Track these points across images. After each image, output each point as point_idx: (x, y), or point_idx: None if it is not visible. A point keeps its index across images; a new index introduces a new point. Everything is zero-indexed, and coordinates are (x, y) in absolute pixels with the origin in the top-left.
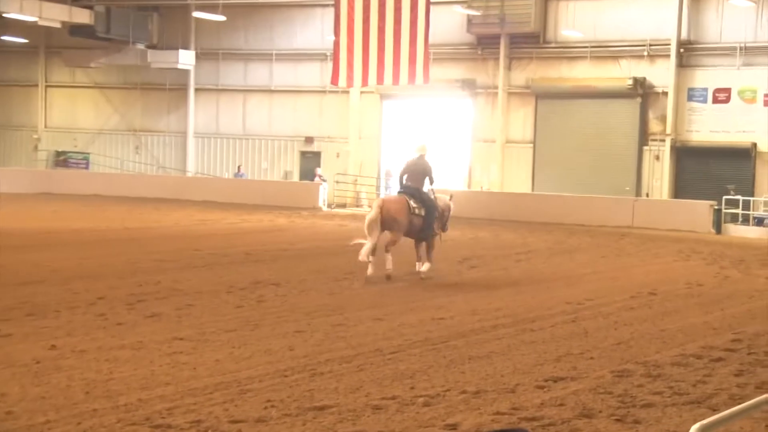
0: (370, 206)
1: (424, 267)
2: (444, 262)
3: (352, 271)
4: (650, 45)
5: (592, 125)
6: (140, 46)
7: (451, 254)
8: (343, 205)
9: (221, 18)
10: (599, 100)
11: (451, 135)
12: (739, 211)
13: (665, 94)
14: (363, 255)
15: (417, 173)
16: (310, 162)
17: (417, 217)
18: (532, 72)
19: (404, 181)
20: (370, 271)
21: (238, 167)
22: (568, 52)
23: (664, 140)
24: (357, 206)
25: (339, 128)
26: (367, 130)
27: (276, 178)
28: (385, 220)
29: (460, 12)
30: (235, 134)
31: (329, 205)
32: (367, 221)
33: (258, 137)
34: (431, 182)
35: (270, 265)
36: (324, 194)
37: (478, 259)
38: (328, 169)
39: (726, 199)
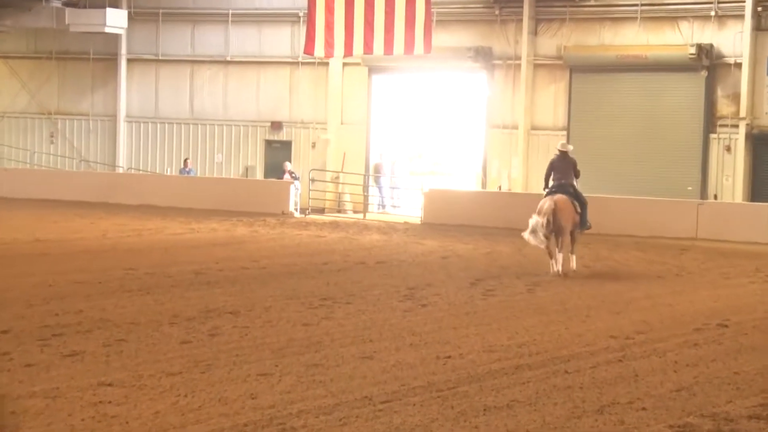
0: (355, 212)
1: (574, 263)
2: (451, 284)
3: (330, 296)
4: (719, 3)
5: (643, 107)
6: (56, 4)
7: (460, 274)
8: (321, 210)
9: None
10: (652, 74)
11: (460, 120)
12: None
13: (738, 66)
14: (556, 267)
15: (567, 169)
16: (277, 154)
17: (577, 215)
18: (564, 38)
19: (551, 180)
20: (557, 267)
21: (185, 161)
22: (612, 12)
23: (736, 126)
24: (339, 211)
25: (315, 111)
26: (352, 113)
27: (234, 176)
28: (558, 228)
29: None
30: (180, 118)
31: (303, 211)
32: (543, 229)
33: (210, 122)
34: (577, 177)
35: (226, 288)
36: (296, 196)
37: (495, 281)
38: (302, 163)
39: None
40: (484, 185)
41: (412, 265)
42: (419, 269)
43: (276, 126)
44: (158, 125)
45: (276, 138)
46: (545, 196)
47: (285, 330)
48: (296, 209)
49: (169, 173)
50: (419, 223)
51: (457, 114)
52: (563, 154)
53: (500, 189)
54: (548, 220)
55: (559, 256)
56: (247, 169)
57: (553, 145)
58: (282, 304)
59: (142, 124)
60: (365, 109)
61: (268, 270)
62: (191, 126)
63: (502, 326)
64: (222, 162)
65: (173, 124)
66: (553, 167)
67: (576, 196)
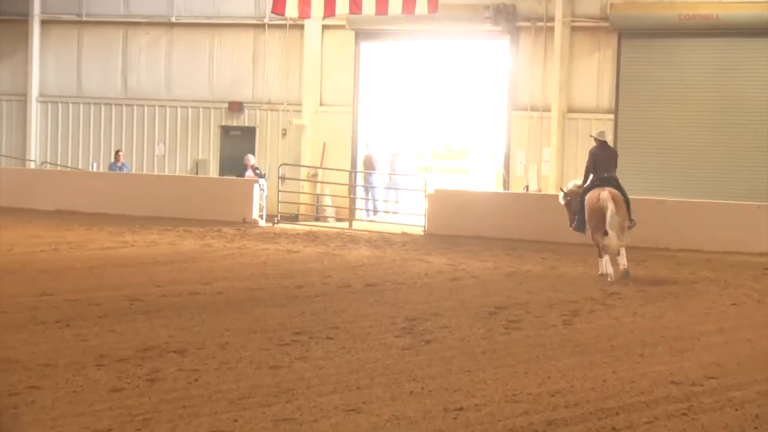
0: (338, 219)
1: (625, 260)
2: (464, 314)
3: (305, 330)
4: None
5: (715, 82)
6: None
7: (475, 301)
8: (294, 218)
9: None
10: (726, 40)
11: (474, 100)
12: None
13: None
14: (605, 269)
15: (610, 162)
16: (237, 145)
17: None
18: None
19: (593, 174)
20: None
21: (116, 154)
22: None
23: None
24: (318, 219)
25: (286, 88)
26: (334, 91)
27: (180, 173)
28: (613, 223)
29: None
30: (109, 98)
31: (270, 218)
32: (610, 221)
33: (149, 103)
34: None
35: (170, 319)
36: (261, 199)
37: (520, 310)
38: (269, 156)
39: None
40: (506, 185)
41: (413, 289)
42: (422, 294)
43: (235, 108)
44: (81, 107)
45: (235, 123)
46: (590, 190)
47: (247, 374)
48: (261, 216)
49: (95, 169)
50: (422, 233)
51: (471, 93)
52: (603, 144)
53: (527, 190)
54: (611, 210)
55: (620, 258)
56: (197, 164)
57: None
58: (243, 340)
59: (60, 106)
60: (351, 86)
61: (225, 296)
62: (124, 108)
63: (529, 369)
64: (165, 155)
65: (101, 106)
66: (596, 160)
67: (622, 191)
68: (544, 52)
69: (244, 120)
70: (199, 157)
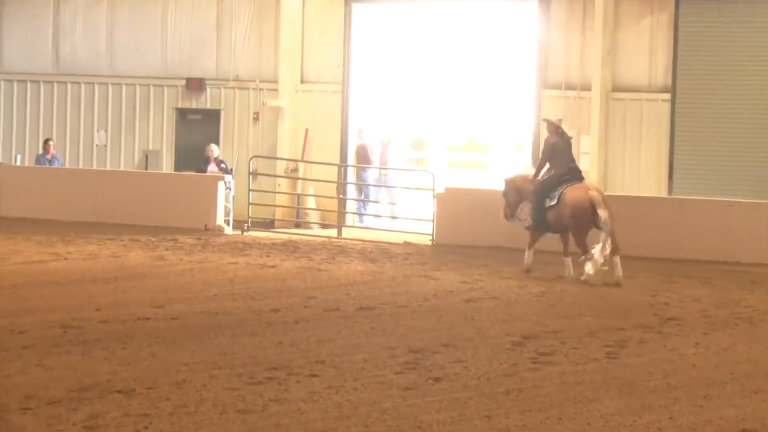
0: (325, 226)
1: (620, 269)
2: (482, 345)
3: (283, 365)
4: None
5: None
6: None
7: (496, 329)
8: (270, 224)
9: None
10: None
11: (496, 76)
12: None
13: None
14: (528, 262)
15: (570, 152)
16: (196, 131)
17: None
18: None
19: (552, 165)
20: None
21: (45, 144)
22: None
23: None
24: (299, 225)
25: (259, 61)
26: (319, 65)
27: (125, 167)
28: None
29: None
30: (36, 73)
31: (239, 225)
32: (610, 228)
33: (86, 79)
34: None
35: (113, 351)
36: (227, 200)
37: (553, 339)
38: (237, 146)
39: None
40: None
41: (418, 314)
42: (429, 320)
43: (194, 86)
44: (3, 84)
45: (194, 105)
46: (558, 184)
47: (210, 420)
48: (228, 222)
49: (18, 163)
50: (429, 243)
51: (491, 68)
52: (560, 132)
53: None
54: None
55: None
56: (146, 157)
57: (648, 116)
58: (204, 377)
59: None
60: (341, 58)
61: (182, 322)
62: (56, 86)
63: (564, 414)
64: (106, 145)
65: (26, 84)
66: (555, 150)
67: None
68: (582, 17)
69: (206, 101)
70: (150, 148)
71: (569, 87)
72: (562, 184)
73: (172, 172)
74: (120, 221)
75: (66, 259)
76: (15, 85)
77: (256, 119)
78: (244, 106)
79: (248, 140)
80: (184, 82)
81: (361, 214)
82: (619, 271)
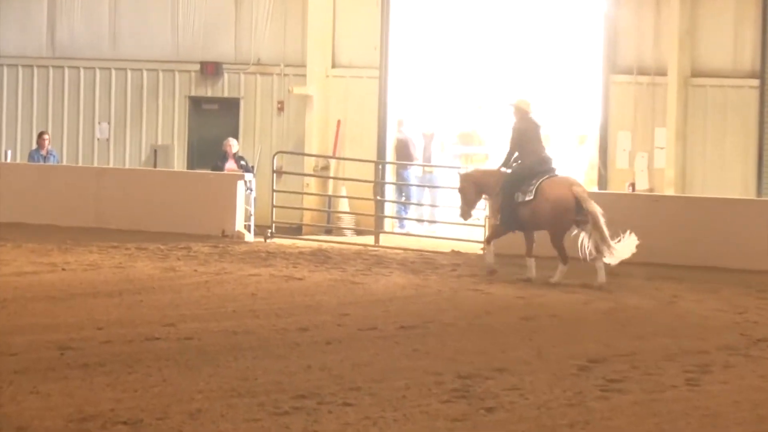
0: (359, 233)
1: (604, 274)
2: (542, 369)
3: (313, 392)
4: None
5: None
6: None
7: (558, 351)
8: (297, 230)
9: None
10: None
11: (557, 59)
12: None
13: None
14: (489, 261)
15: (539, 139)
16: (213, 124)
17: None
18: None
19: (522, 154)
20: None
21: (39, 137)
22: None
23: None
24: (330, 232)
25: (284, 42)
26: (353, 46)
27: (131, 164)
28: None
29: None
30: (29, 56)
31: (261, 231)
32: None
33: (87, 64)
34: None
35: (117, 375)
36: (248, 203)
37: (624, 363)
38: (260, 140)
39: None
40: (602, 182)
41: (468, 334)
42: (481, 341)
43: (210, 71)
44: None
45: (210, 93)
46: (534, 179)
47: None
48: (248, 227)
49: (9, 160)
50: (480, 252)
51: (552, 50)
52: (527, 116)
53: (633, 189)
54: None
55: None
56: (155, 152)
57: (736, 102)
58: (222, 406)
59: None
60: (378, 39)
61: (197, 342)
62: (51, 72)
63: None
64: (109, 138)
65: (17, 69)
66: (524, 138)
67: None
68: None
69: (223, 88)
70: (159, 142)
71: (642, 72)
72: (536, 176)
73: (185, 170)
74: (125, 227)
75: (63, 270)
76: (5, 70)
77: (280, 109)
78: (267, 95)
79: (271, 133)
80: (197, 67)
81: (401, 219)
82: (602, 276)
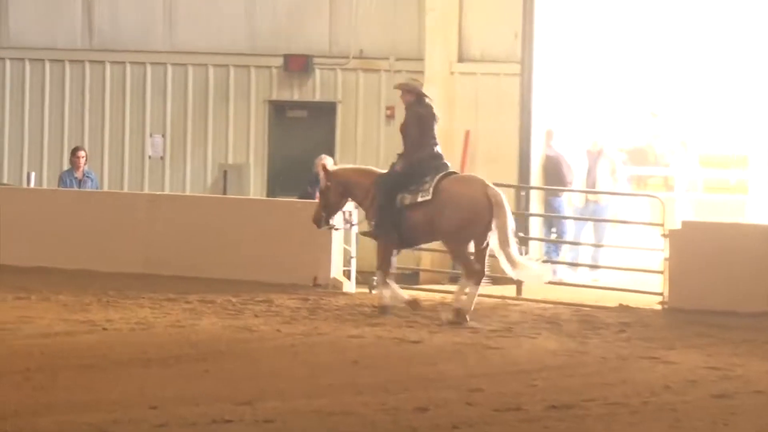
0: (496, 281)
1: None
2: None
3: None
4: None
5: None
6: None
7: None
8: (413, 277)
9: None
10: None
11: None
12: None
13: None
14: (393, 295)
15: (434, 129)
16: (300, 135)
17: None
18: None
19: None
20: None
21: (74, 154)
22: None
23: None
24: (458, 279)
25: (394, 30)
26: (485, 35)
27: (194, 190)
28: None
29: None
30: (58, 48)
31: (367, 278)
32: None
33: (134, 58)
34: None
35: None
36: (347, 241)
37: None
38: (363, 157)
39: None
40: None
41: (642, 416)
42: (659, 425)
43: (296, 65)
44: (10, 66)
45: (297, 97)
46: (427, 176)
47: None
48: (348, 274)
49: (33, 184)
50: (658, 307)
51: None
52: (421, 99)
53: None
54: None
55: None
56: (225, 174)
57: None
58: None
59: None
60: (518, 24)
61: (280, 425)
62: (88, 68)
63: None
64: (163, 156)
65: (43, 64)
66: (421, 125)
67: None
68: None
69: (314, 89)
70: (230, 161)
71: None
72: (429, 173)
73: (263, 197)
74: (184, 273)
75: (105, 329)
76: (27, 66)
77: (389, 116)
78: (372, 97)
79: (379, 148)
80: (280, 62)
81: (552, 263)
82: (469, 303)
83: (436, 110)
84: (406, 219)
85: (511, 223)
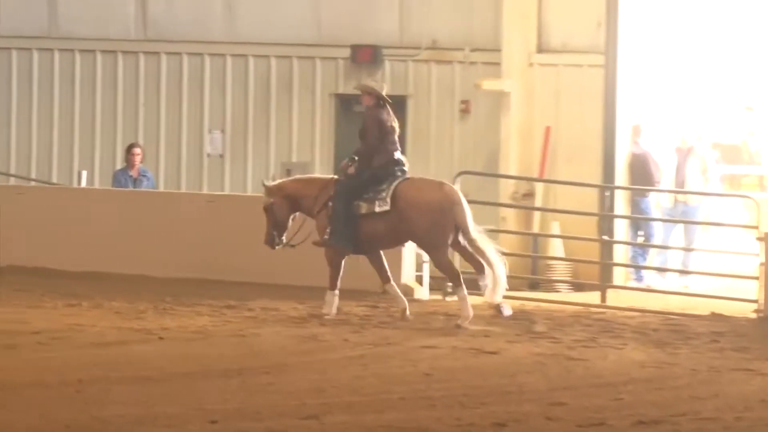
0: (578, 287)
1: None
2: None
3: None
4: None
5: None
6: None
7: None
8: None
9: None
10: None
11: None
12: None
13: None
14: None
15: (394, 131)
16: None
17: None
18: None
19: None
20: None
21: (129, 152)
22: None
23: None
24: (538, 286)
25: (469, 19)
26: (567, 24)
27: (254, 190)
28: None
29: None
30: (109, 38)
31: (440, 284)
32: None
33: (191, 49)
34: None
35: None
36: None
37: None
38: (435, 155)
39: None
40: None
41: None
42: None
43: (364, 57)
44: (57, 56)
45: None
46: (384, 183)
47: None
48: (421, 279)
49: (85, 184)
50: (753, 316)
51: None
52: (381, 103)
53: None
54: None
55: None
56: (288, 172)
57: None
58: None
59: (16, 54)
60: (602, 12)
61: None
62: (142, 59)
63: None
64: (223, 154)
65: (94, 55)
66: (383, 127)
67: None
68: None
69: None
70: (293, 159)
71: None
72: (386, 180)
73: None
74: (246, 278)
75: (161, 338)
76: (77, 57)
77: (464, 111)
78: (446, 91)
79: (452, 145)
80: (347, 53)
81: (639, 268)
82: (466, 310)
83: (393, 118)
84: (364, 228)
85: (470, 216)
